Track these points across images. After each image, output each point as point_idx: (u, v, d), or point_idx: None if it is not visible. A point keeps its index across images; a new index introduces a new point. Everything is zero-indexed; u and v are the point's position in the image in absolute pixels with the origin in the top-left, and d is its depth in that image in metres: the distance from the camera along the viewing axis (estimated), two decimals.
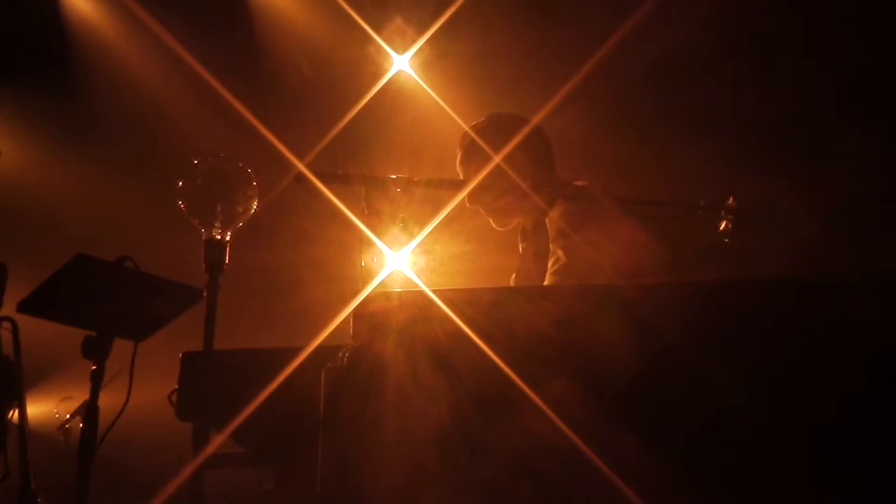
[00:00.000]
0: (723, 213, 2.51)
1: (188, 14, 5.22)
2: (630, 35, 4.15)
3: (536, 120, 3.23)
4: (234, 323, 2.93)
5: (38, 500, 2.63)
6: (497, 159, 3.03)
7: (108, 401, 2.69)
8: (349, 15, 5.01)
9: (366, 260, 2.48)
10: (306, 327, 2.58)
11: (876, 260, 3.52)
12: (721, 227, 2.53)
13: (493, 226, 3.20)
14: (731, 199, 2.50)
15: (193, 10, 5.35)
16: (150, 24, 5.13)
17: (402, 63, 4.69)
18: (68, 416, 4.66)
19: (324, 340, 2.40)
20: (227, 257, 2.44)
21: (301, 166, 2.64)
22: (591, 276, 2.76)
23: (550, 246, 2.98)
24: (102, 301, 2.51)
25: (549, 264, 2.94)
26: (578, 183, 3.05)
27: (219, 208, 2.41)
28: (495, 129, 3.11)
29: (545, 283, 2.91)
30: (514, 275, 3.23)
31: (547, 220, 3.05)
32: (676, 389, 1.89)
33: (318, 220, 4.25)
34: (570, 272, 2.83)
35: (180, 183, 2.47)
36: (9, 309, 2.75)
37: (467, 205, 3.12)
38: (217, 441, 2.36)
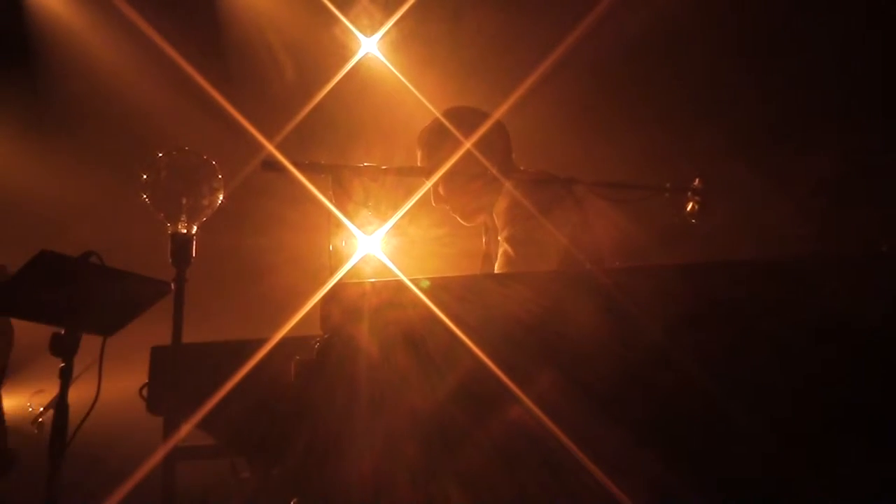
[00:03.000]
0: (689, 194, 2.53)
1: None
2: (600, 19, 4.14)
3: (508, 103, 3.21)
4: (203, 312, 2.91)
5: None
6: (468, 144, 3.01)
7: (81, 392, 2.67)
8: None
9: (335, 244, 2.46)
10: (278, 314, 2.56)
11: (842, 241, 3.56)
12: (688, 209, 2.55)
13: (461, 222, 3.16)
14: (697, 180, 2.52)
15: None
16: (114, 7, 5.04)
17: (370, 45, 4.63)
18: (41, 409, 4.63)
19: (296, 328, 2.40)
20: (194, 250, 2.42)
21: (271, 147, 2.62)
22: (537, 267, 2.75)
23: (499, 238, 2.97)
24: (68, 297, 2.47)
25: (499, 256, 2.93)
26: (530, 171, 3.04)
27: (184, 202, 2.40)
28: (455, 121, 3.07)
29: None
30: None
31: (494, 214, 3.04)
32: (651, 373, 1.90)
33: (285, 202, 4.22)
34: (516, 266, 2.82)
35: (144, 176, 2.44)
36: None
37: (433, 204, 3.11)
38: (185, 432, 2.35)
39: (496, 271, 2.90)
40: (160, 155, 2.49)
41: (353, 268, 2.42)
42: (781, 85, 4.18)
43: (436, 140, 3.05)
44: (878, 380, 1.88)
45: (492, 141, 3.03)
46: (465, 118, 3.06)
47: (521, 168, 3.07)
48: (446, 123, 3.05)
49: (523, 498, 1.82)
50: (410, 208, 2.94)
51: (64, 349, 2.50)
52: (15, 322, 3.92)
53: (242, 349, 2.43)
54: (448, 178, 2.98)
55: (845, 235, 3.58)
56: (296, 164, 2.50)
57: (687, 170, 2.58)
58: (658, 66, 4.45)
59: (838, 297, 1.91)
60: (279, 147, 2.65)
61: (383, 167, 2.60)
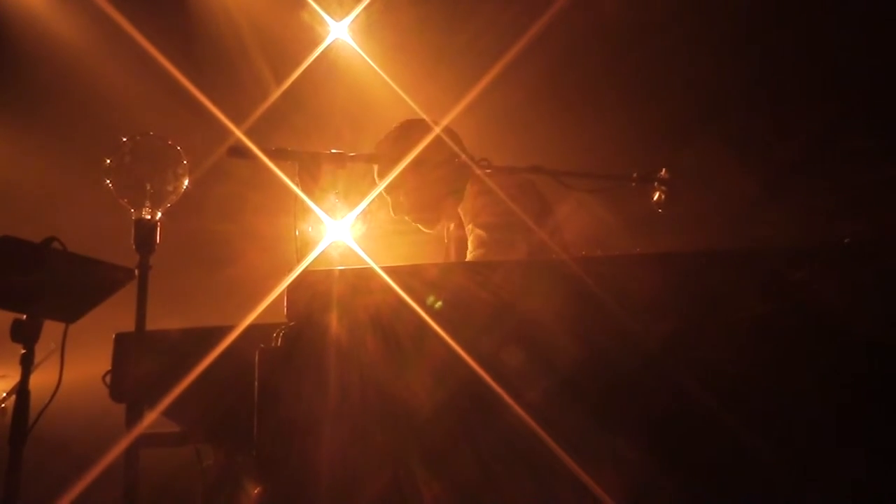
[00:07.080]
0: (656, 183, 2.55)
1: None
2: (570, 5, 4.15)
3: (476, 90, 3.22)
4: (168, 298, 2.89)
5: None
6: (437, 130, 3.01)
7: (44, 378, 2.65)
8: None
9: (301, 229, 2.44)
10: (244, 300, 2.54)
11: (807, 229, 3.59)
12: (655, 198, 2.57)
13: (422, 229, 3.19)
14: (664, 170, 2.54)
15: None
16: None
17: (340, 30, 4.59)
18: (4, 394, 4.58)
19: (263, 315, 2.38)
20: (158, 236, 2.40)
21: (239, 133, 2.60)
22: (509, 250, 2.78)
23: (469, 226, 3.00)
24: (30, 283, 2.44)
25: (470, 240, 2.95)
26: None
27: (148, 187, 2.37)
28: (412, 129, 3.08)
29: None
30: None
31: (461, 209, 3.07)
32: (621, 359, 1.91)
33: (251, 186, 4.19)
34: (488, 247, 2.85)
35: (108, 161, 2.41)
36: None
37: (393, 215, 3.12)
38: (149, 420, 2.33)
39: (469, 254, 2.92)
40: (124, 140, 2.46)
41: (320, 254, 2.41)
42: (752, 69, 4.21)
43: (392, 156, 3.03)
44: (845, 370, 1.91)
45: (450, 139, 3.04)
46: (420, 126, 3.09)
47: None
48: (414, 106, 3.07)
49: (491, 481, 1.83)
50: (379, 194, 2.94)
51: (25, 336, 2.47)
52: None
53: (208, 336, 2.41)
54: (413, 171, 2.97)
55: (812, 220, 3.62)
56: (263, 151, 2.48)
57: (654, 157, 2.60)
58: (627, 52, 4.46)
59: (804, 288, 1.94)
60: (246, 132, 2.62)
61: (351, 154, 2.58)
